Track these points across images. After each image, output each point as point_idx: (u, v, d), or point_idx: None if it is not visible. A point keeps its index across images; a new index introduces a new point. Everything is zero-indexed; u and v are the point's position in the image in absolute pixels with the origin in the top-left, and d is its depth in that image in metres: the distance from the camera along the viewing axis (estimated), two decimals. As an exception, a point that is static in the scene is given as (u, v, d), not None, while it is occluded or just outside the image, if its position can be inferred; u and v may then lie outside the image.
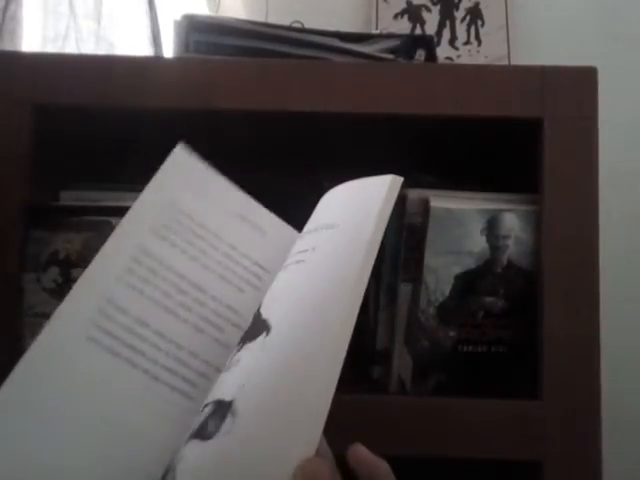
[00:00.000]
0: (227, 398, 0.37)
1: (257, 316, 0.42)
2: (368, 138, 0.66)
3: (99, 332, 0.40)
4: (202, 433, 0.37)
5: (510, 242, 0.59)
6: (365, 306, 0.62)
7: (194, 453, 0.37)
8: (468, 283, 0.59)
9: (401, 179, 0.43)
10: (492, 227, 0.59)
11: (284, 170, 0.65)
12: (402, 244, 0.60)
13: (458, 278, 0.59)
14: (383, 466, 0.38)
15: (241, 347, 0.41)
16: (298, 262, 0.43)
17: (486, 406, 0.55)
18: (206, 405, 0.39)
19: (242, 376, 0.38)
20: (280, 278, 0.44)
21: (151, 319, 0.41)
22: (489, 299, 0.60)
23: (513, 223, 0.59)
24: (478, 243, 0.59)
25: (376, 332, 0.61)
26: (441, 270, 0.59)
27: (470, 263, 0.59)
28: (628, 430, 1.11)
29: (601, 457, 0.54)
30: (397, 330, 0.61)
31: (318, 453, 0.36)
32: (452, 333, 0.60)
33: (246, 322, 0.44)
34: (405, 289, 0.61)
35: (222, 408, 0.37)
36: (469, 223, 0.59)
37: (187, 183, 0.46)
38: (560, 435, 0.54)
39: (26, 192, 0.57)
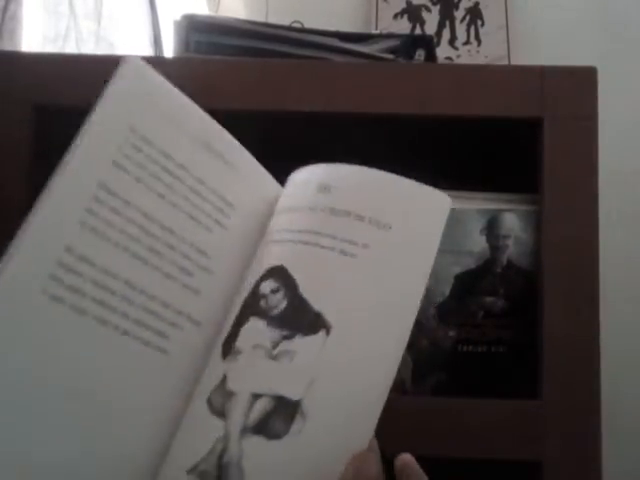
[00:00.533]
0: (293, 397, 0.37)
1: (302, 303, 0.39)
2: (368, 138, 0.66)
3: (60, 288, 0.34)
4: (266, 431, 0.37)
5: (510, 242, 0.59)
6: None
7: (261, 451, 0.36)
8: (468, 283, 0.59)
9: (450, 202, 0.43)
10: (492, 227, 0.59)
11: (284, 170, 0.65)
12: (402, 244, 0.60)
13: (458, 278, 0.59)
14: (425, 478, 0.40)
15: (290, 337, 0.39)
16: (343, 253, 0.40)
17: (486, 406, 0.55)
18: (256, 396, 0.38)
19: (306, 375, 0.37)
20: (314, 259, 0.40)
21: (119, 268, 0.36)
22: (489, 299, 0.60)
23: (513, 223, 0.59)
24: (478, 243, 0.59)
25: (376, 332, 0.61)
26: (441, 270, 0.59)
27: (470, 263, 0.59)
28: (628, 430, 1.11)
29: (601, 457, 0.54)
30: (397, 330, 0.61)
31: (369, 447, 0.37)
32: (452, 333, 0.60)
33: (216, 265, 0.40)
34: (405, 289, 0.60)
35: (288, 407, 0.37)
36: (469, 223, 0.59)
37: (146, 101, 0.38)
38: (560, 435, 0.54)
39: (26, 192, 0.57)
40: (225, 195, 0.41)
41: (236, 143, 0.44)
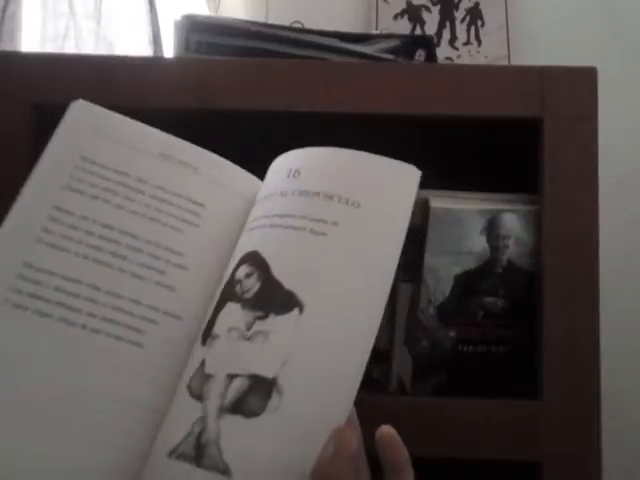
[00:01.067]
0: (268, 375, 0.38)
1: (275, 284, 0.40)
2: (368, 138, 0.66)
3: (21, 296, 0.39)
4: (242, 410, 0.37)
5: (510, 242, 0.59)
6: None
7: (239, 430, 0.37)
8: (468, 283, 0.59)
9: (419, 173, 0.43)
10: (492, 227, 0.59)
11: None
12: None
13: (458, 278, 0.59)
14: (405, 453, 0.40)
15: (264, 318, 0.40)
16: (313, 232, 0.41)
17: (486, 406, 0.55)
18: (232, 376, 0.38)
19: (281, 353, 0.38)
20: (286, 241, 0.42)
21: (81, 274, 0.40)
22: (489, 299, 0.60)
23: (513, 223, 0.59)
24: (478, 243, 0.59)
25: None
26: (441, 270, 0.59)
27: (470, 263, 0.59)
28: (628, 430, 1.11)
29: (601, 457, 0.54)
30: (397, 330, 0.61)
31: (348, 420, 0.38)
32: (452, 333, 0.60)
33: (193, 262, 0.43)
34: (405, 289, 0.61)
35: (263, 385, 0.37)
36: (469, 223, 0.59)
37: (96, 134, 0.44)
38: (560, 435, 0.54)
39: (26, 192, 0.57)
40: (192, 197, 0.45)
41: (198, 149, 0.47)
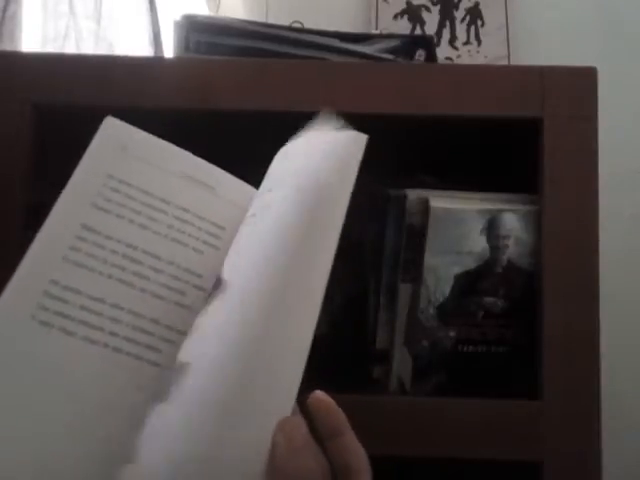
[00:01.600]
0: (184, 360, 0.38)
1: (218, 279, 0.41)
2: (368, 138, 0.66)
3: (47, 314, 0.39)
4: (161, 396, 0.37)
5: (510, 242, 0.59)
6: (365, 306, 0.62)
7: (155, 416, 0.37)
8: (468, 283, 0.59)
9: (365, 137, 0.43)
10: (492, 227, 0.59)
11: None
12: (402, 244, 0.60)
13: (458, 278, 0.59)
14: (340, 413, 0.38)
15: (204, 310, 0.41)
16: (250, 223, 0.42)
17: (486, 406, 0.55)
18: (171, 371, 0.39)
19: (199, 338, 0.39)
20: (236, 239, 0.43)
21: (105, 293, 0.41)
22: (489, 299, 0.60)
23: (513, 223, 0.59)
24: (478, 243, 0.59)
25: (376, 332, 0.61)
26: (441, 270, 0.59)
27: (470, 263, 0.59)
28: (628, 430, 1.11)
29: (601, 457, 0.54)
30: (397, 330, 0.61)
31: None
32: (452, 333, 0.60)
33: (209, 283, 0.43)
34: (405, 289, 0.61)
35: (180, 370, 0.37)
36: (469, 223, 0.59)
37: (123, 152, 0.45)
38: (560, 435, 0.54)
39: (26, 192, 0.57)
40: (213, 219, 0.45)
41: (214, 168, 0.47)
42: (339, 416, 0.38)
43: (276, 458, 0.34)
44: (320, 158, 0.43)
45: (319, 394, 0.38)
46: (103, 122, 0.45)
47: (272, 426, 0.35)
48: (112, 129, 0.45)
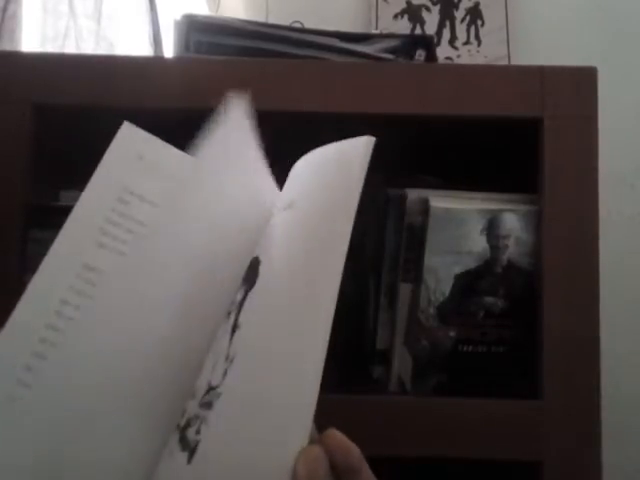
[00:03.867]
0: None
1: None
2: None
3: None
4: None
5: (510, 242, 0.59)
6: (365, 306, 0.62)
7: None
8: (468, 283, 0.59)
9: (373, 139, 0.41)
10: (492, 227, 0.59)
11: (284, 170, 0.65)
12: (402, 244, 0.60)
13: (458, 278, 0.59)
14: (356, 451, 0.37)
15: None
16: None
17: (486, 406, 0.55)
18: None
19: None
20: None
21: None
22: (489, 299, 0.60)
23: (513, 223, 0.59)
24: (478, 243, 0.59)
25: (376, 332, 0.61)
26: (441, 270, 0.59)
27: (470, 263, 0.59)
28: (628, 430, 1.11)
29: (601, 457, 0.54)
30: (397, 330, 0.61)
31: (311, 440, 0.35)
32: (452, 333, 0.60)
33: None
34: (405, 289, 0.61)
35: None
36: (469, 223, 0.59)
37: (137, 158, 0.44)
38: (560, 435, 0.54)
39: (26, 192, 0.57)
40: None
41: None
42: (356, 454, 0.37)
43: None
44: (322, 174, 0.42)
45: (335, 433, 0.37)
46: (121, 128, 0.44)
47: (293, 447, 0.34)
48: (128, 135, 0.45)
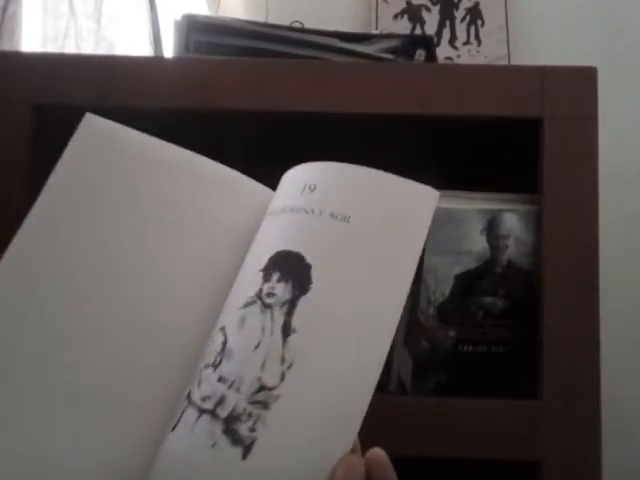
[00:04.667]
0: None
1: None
2: (368, 138, 0.66)
3: None
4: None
5: (510, 242, 0.59)
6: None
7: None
8: (468, 283, 0.59)
9: (437, 194, 0.41)
10: (492, 227, 0.59)
11: (284, 170, 0.65)
12: (402, 244, 0.60)
13: (458, 278, 0.59)
14: (392, 470, 0.39)
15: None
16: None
17: (486, 406, 0.55)
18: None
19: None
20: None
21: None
22: (489, 299, 0.60)
23: (513, 223, 0.59)
24: (478, 243, 0.59)
25: (376, 332, 0.61)
26: (441, 270, 0.59)
27: (470, 263, 0.59)
28: (628, 430, 1.11)
29: (601, 457, 0.54)
30: (397, 330, 0.61)
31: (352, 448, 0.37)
32: (452, 333, 0.60)
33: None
34: (405, 289, 0.60)
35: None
36: (469, 223, 0.59)
37: (105, 147, 0.43)
38: (560, 435, 0.54)
39: (26, 192, 0.57)
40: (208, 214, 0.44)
41: (212, 163, 0.45)
42: (392, 473, 0.38)
43: None
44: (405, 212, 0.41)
45: (378, 452, 0.38)
46: (83, 119, 0.43)
47: (339, 455, 0.36)
48: (94, 126, 0.43)
